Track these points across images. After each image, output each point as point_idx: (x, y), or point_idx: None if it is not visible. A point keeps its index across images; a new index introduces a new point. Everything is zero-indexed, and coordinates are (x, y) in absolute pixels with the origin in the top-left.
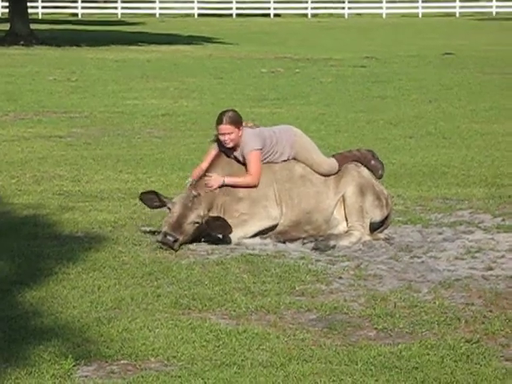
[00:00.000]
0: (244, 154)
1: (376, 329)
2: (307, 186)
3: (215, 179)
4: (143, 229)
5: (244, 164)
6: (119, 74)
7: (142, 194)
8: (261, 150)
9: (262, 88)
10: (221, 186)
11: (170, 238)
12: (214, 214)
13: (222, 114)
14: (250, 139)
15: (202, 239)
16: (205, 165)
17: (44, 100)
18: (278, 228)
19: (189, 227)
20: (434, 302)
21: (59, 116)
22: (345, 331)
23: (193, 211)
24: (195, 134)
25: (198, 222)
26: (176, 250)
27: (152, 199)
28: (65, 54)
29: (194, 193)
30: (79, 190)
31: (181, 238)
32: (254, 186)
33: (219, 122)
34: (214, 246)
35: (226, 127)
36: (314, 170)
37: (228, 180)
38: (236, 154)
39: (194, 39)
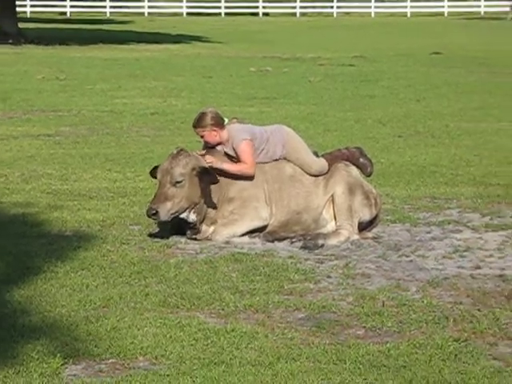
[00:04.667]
0: (234, 147)
1: (364, 327)
2: (297, 186)
3: (214, 160)
4: (131, 228)
5: (236, 159)
6: (108, 72)
7: (151, 172)
8: (251, 140)
9: (250, 87)
10: (215, 173)
11: (150, 212)
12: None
13: (196, 117)
14: (237, 133)
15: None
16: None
17: (32, 99)
18: (267, 228)
19: (171, 190)
20: (423, 301)
21: (48, 115)
22: (333, 330)
23: (172, 173)
24: (184, 132)
25: (179, 182)
26: (165, 220)
27: None
28: (53, 52)
29: (175, 151)
30: (68, 188)
31: (166, 206)
32: (251, 176)
33: (192, 125)
34: (203, 245)
35: (196, 130)
36: (305, 171)
37: (226, 165)
38: (226, 149)
39: (182, 38)
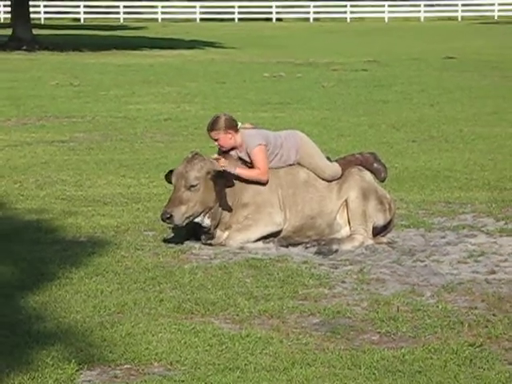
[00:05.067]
0: (248, 151)
1: (379, 333)
2: (311, 191)
3: (229, 165)
4: (146, 233)
5: (250, 164)
6: (121, 78)
7: (166, 176)
8: (265, 145)
9: (264, 92)
10: (230, 176)
11: (164, 216)
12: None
13: (209, 121)
14: (251, 138)
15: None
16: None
17: (46, 105)
18: (281, 233)
19: (186, 194)
20: (437, 306)
21: (62, 121)
22: (348, 335)
23: (186, 176)
24: (198, 138)
25: (193, 185)
26: (179, 224)
27: None
28: (67, 58)
29: (190, 155)
30: (82, 194)
31: (180, 210)
32: (264, 182)
33: (207, 129)
34: (217, 251)
35: (210, 134)
36: (318, 175)
37: (239, 170)
38: (241, 154)
39: (196, 44)
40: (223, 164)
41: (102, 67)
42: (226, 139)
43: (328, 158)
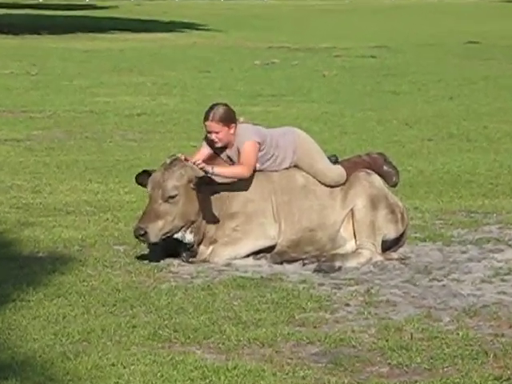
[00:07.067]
0: (239, 146)
1: (389, 364)
2: (310, 198)
3: (205, 164)
4: (116, 248)
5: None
6: (87, 66)
7: (137, 176)
8: (259, 143)
9: (254, 83)
10: (208, 175)
11: (137, 232)
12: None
13: (211, 108)
14: (246, 134)
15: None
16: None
17: None
18: (276, 248)
19: (163, 207)
20: (457, 333)
21: (17, 116)
22: (353, 367)
23: (164, 186)
24: (176, 136)
25: (172, 196)
26: (155, 242)
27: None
28: (23, 43)
29: (168, 160)
30: (41, 202)
31: (157, 226)
32: (247, 177)
33: (206, 117)
34: (200, 268)
35: (212, 124)
36: (319, 180)
37: (217, 169)
38: (230, 152)
39: (175, 25)
40: (199, 163)
41: (65, 53)
42: (227, 134)
43: (335, 158)
